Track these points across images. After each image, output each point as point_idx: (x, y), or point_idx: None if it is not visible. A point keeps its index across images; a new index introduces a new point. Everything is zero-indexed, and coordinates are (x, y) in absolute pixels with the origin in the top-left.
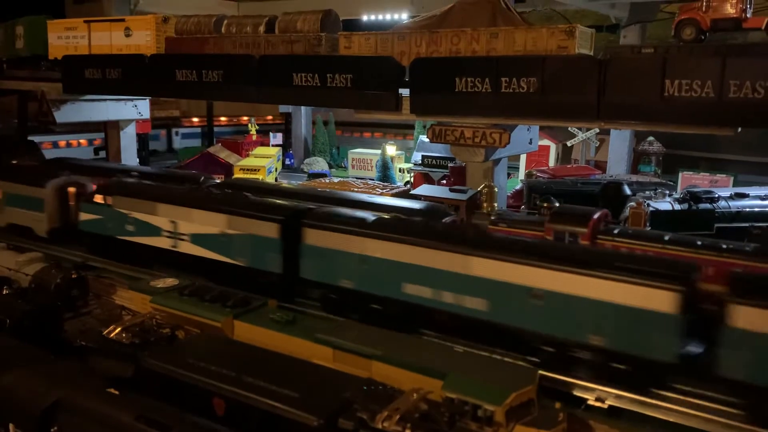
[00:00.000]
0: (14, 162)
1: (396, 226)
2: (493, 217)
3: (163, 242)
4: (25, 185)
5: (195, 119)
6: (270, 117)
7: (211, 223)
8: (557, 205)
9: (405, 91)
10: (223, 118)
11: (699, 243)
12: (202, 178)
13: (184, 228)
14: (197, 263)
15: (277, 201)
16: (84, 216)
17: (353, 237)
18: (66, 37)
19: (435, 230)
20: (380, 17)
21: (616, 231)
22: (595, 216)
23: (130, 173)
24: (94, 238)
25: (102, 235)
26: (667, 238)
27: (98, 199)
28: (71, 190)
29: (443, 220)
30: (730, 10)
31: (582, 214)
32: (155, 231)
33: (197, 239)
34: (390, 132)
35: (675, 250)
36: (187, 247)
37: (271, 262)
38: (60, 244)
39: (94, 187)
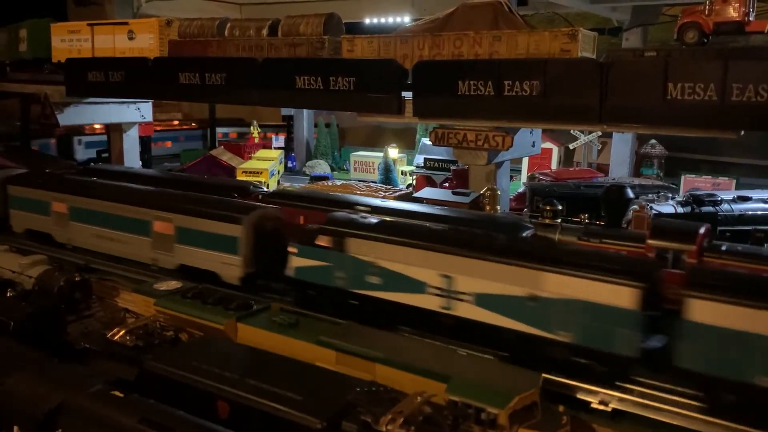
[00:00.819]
0: (48, 171)
1: None
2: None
3: (426, 301)
4: (209, 220)
5: (97, 125)
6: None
7: (514, 280)
8: (560, 208)
9: (408, 94)
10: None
11: None
12: (251, 186)
13: (464, 285)
14: (483, 331)
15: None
16: (299, 261)
17: None
18: (69, 40)
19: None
20: (382, 20)
21: (723, 248)
22: (701, 232)
23: (201, 184)
24: (316, 289)
25: (328, 287)
26: None
27: (323, 242)
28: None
29: (524, 234)
30: (732, 13)
31: (686, 230)
32: (415, 286)
33: (485, 301)
34: None
35: None
36: (469, 311)
37: (621, 341)
38: (250, 291)
39: (302, 220)
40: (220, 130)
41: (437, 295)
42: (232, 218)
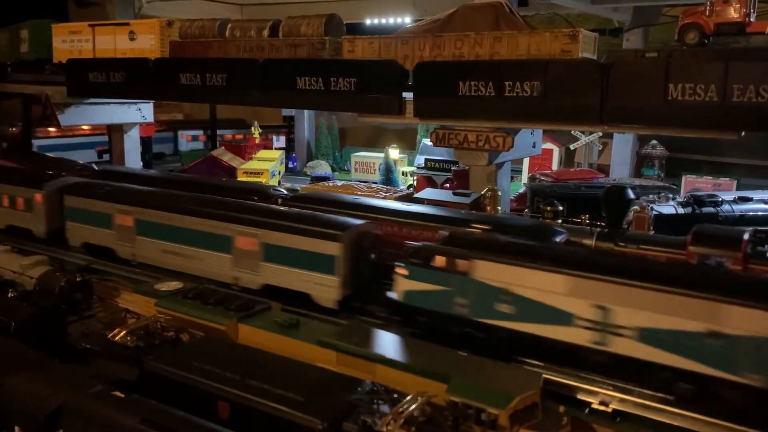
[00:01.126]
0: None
1: None
2: (618, 239)
3: (572, 335)
4: (302, 236)
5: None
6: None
7: (690, 314)
8: (560, 208)
9: (408, 95)
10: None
11: None
12: (271, 189)
13: (625, 318)
14: (644, 369)
15: None
16: (409, 284)
17: None
18: (70, 41)
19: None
20: (383, 21)
21: None
22: (745, 237)
23: (221, 188)
24: (429, 316)
25: (446, 314)
26: None
27: (443, 263)
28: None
29: (559, 239)
30: (733, 14)
31: (730, 236)
32: (559, 317)
33: (651, 337)
34: None
35: None
36: (629, 347)
37: None
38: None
39: (408, 238)
40: (188, 132)
41: (588, 328)
42: (330, 235)
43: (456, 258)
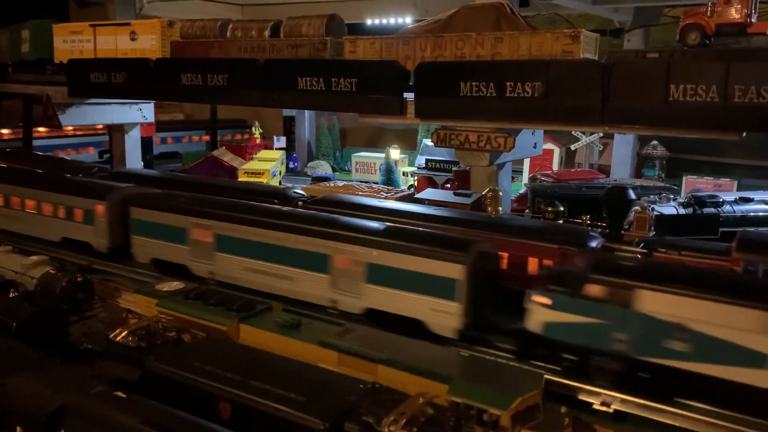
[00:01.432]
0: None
1: None
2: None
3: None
4: (417, 256)
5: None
6: None
7: None
8: (561, 209)
9: (410, 95)
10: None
11: None
12: (291, 192)
13: None
14: None
15: None
16: (552, 315)
17: None
18: (71, 41)
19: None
20: (384, 21)
21: None
22: None
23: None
24: (577, 352)
25: (599, 350)
26: None
27: (597, 292)
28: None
29: (594, 245)
30: (734, 15)
31: None
32: (747, 358)
33: None
34: None
35: None
36: None
37: None
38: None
39: (540, 258)
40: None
41: None
42: (450, 255)
43: (615, 287)
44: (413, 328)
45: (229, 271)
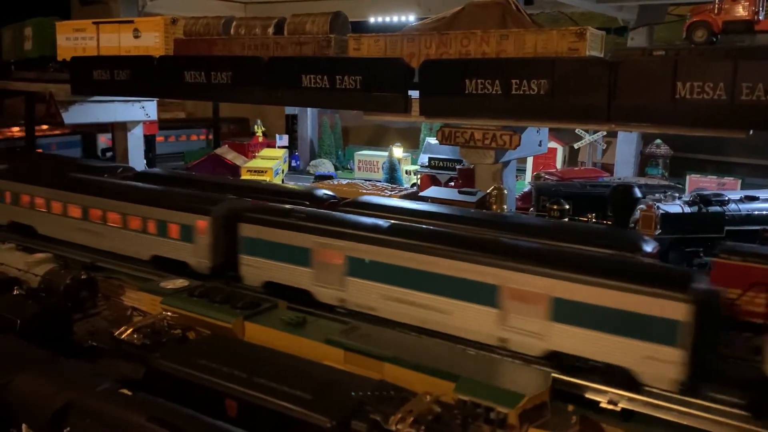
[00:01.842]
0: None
1: None
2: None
3: None
4: (623, 292)
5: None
6: None
7: None
8: (566, 207)
9: (414, 93)
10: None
11: None
12: (323, 194)
13: None
14: None
15: None
16: None
17: None
18: (74, 39)
19: None
20: (387, 19)
21: None
22: None
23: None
24: None
25: None
26: None
27: None
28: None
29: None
30: (742, 12)
31: None
32: None
33: None
34: None
35: None
36: None
37: None
38: None
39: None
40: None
41: None
42: (670, 294)
43: None
44: (609, 375)
45: (363, 299)
